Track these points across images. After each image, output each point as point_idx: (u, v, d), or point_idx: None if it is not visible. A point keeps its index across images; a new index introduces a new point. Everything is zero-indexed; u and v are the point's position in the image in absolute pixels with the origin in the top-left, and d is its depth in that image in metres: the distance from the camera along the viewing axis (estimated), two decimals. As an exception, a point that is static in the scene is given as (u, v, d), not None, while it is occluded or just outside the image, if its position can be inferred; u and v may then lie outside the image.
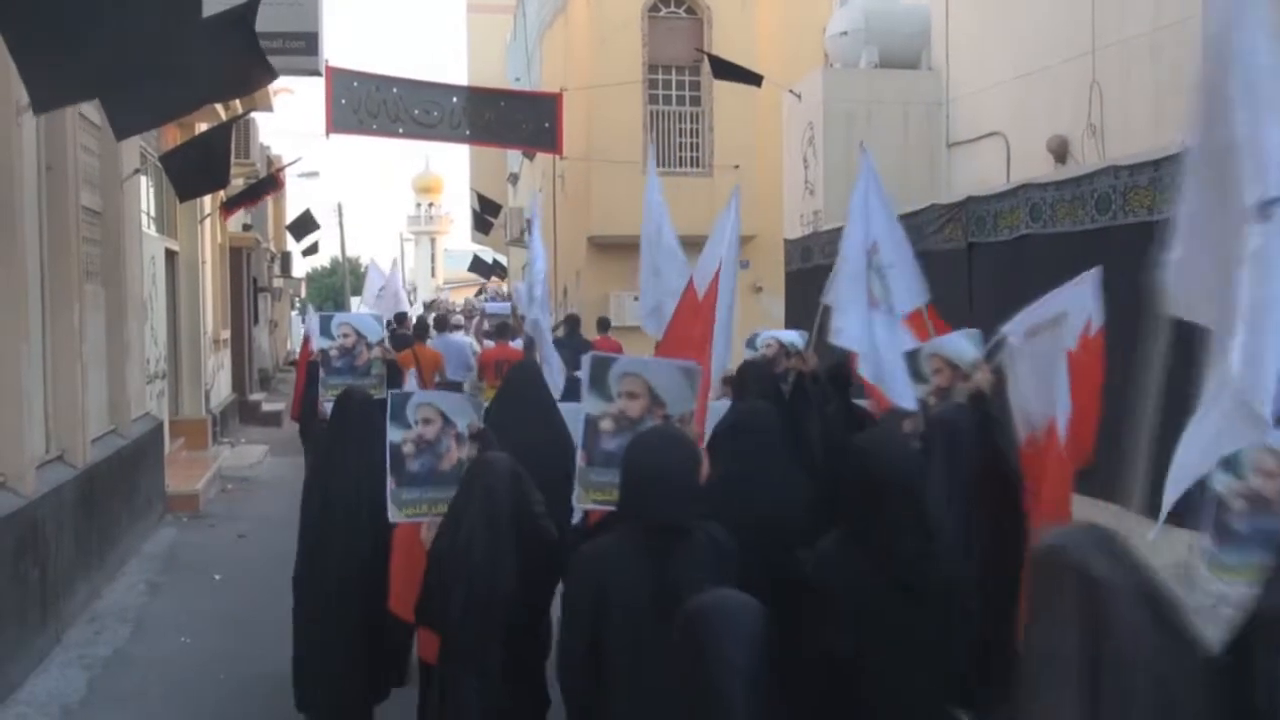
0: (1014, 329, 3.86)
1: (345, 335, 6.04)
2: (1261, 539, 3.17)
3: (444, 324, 15.62)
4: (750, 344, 6.70)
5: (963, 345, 4.57)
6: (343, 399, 5.03)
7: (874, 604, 2.95)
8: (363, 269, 25.44)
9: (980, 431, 3.90)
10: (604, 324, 13.51)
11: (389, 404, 4.21)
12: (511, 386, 5.09)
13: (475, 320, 20.86)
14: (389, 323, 10.01)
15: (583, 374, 3.97)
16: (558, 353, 7.65)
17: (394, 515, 4.09)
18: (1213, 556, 3.46)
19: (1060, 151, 11.48)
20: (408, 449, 4.05)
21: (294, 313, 44.74)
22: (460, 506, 3.60)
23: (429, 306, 30.91)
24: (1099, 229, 8.85)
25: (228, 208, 14.68)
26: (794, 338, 6.10)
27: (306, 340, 6.35)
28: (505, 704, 3.27)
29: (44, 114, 5.60)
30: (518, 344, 10.66)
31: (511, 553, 3.40)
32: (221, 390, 17.06)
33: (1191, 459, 2.86)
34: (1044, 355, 3.54)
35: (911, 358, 4.52)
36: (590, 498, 3.76)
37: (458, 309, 30.31)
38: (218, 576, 8.62)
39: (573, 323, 13.23)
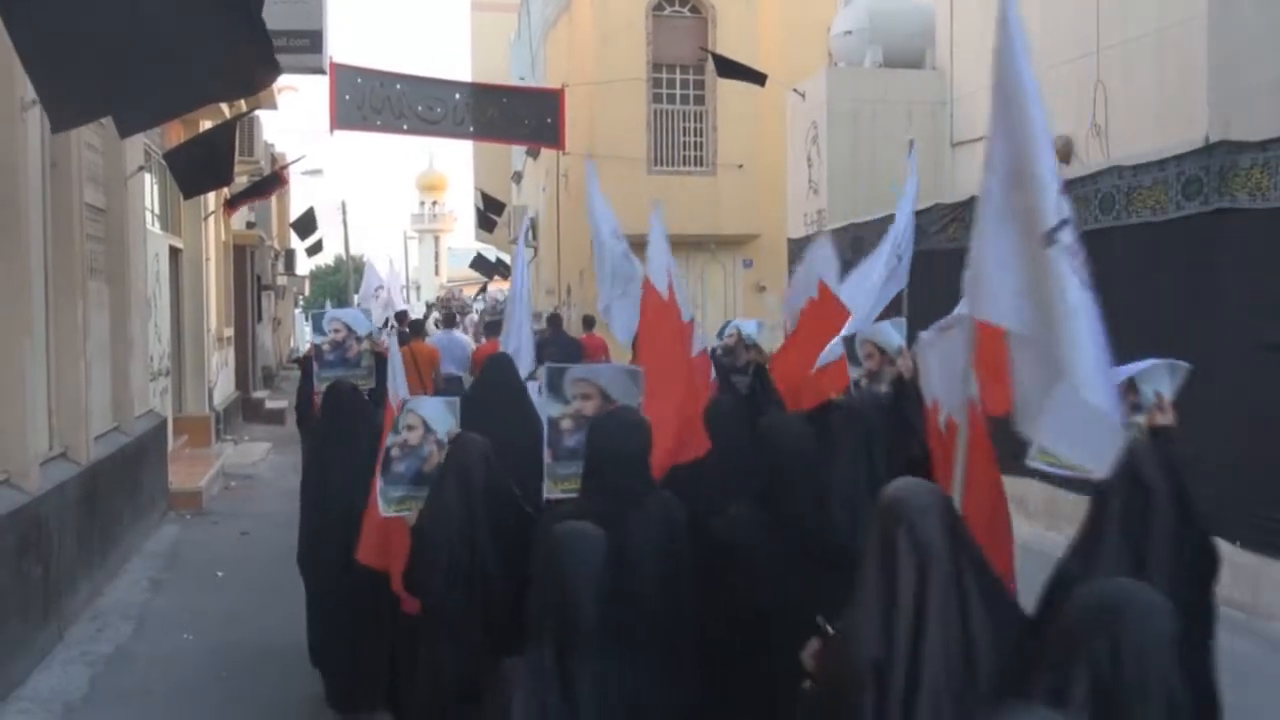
0: (931, 327, 4.00)
1: (336, 330, 6.28)
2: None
3: (451, 321, 15.73)
4: (718, 333, 7.00)
5: (891, 333, 4.89)
6: (333, 390, 5.50)
7: (777, 566, 3.19)
8: (365, 261, 25.55)
9: (893, 413, 4.26)
10: (589, 322, 13.63)
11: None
12: (487, 376, 5.44)
13: (468, 317, 20.90)
14: (389, 321, 10.13)
15: (541, 383, 4.32)
16: (547, 349, 7.87)
17: (384, 510, 4.43)
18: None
19: (1064, 151, 11.46)
20: (395, 453, 4.42)
21: (297, 310, 44.78)
22: (439, 485, 3.91)
23: (432, 305, 30.91)
24: (1102, 229, 8.85)
25: (231, 204, 14.70)
26: (752, 330, 6.30)
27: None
28: (483, 673, 3.26)
29: (61, 131, 5.61)
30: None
31: (486, 525, 3.67)
32: (225, 388, 17.08)
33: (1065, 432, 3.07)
34: (950, 348, 3.72)
35: (849, 342, 4.89)
36: (558, 487, 4.04)
37: (470, 303, 30.28)
38: (220, 574, 8.63)
39: (555, 321, 13.36)
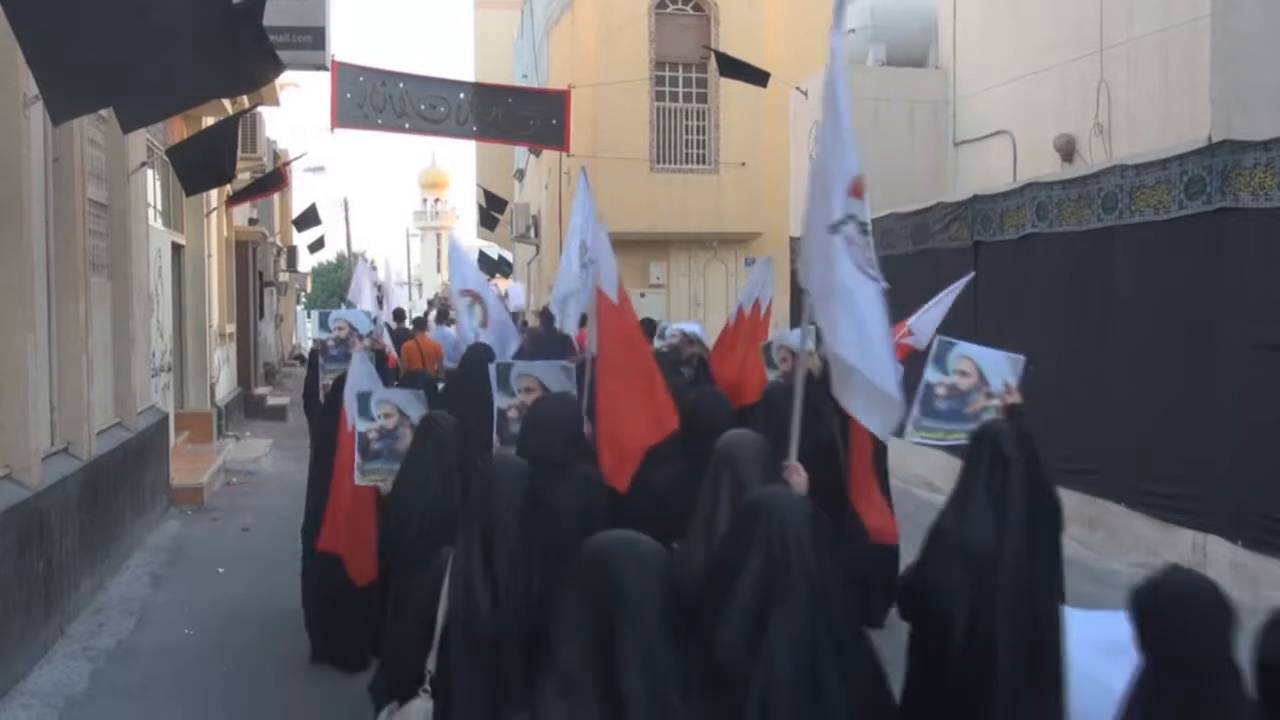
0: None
1: (340, 329, 6.99)
2: (951, 414, 4.78)
3: (444, 316, 16.17)
4: (660, 335, 8.23)
5: (792, 337, 5.58)
6: (337, 384, 6.02)
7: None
8: (363, 260, 25.65)
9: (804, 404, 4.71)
10: (580, 319, 13.74)
11: (357, 401, 5.21)
12: (465, 364, 6.14)
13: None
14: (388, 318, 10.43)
15: (491, 379, 5.09)
16: (541, 344, 8.85)
17: (359, 480, 5.14)
18: (917, 421, 4.79)
19: (1067, 150, 11.46)
20: (372, 435, 5.13)
21: (299, 307, 44.80)
22: (415, 455, 4.42)
23: (433, 302, 30.94)
24: (1105, 228, 8.85)
25: (233, 202, 14.70)
26: (695, 329, 7.24)
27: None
28: None
29: (62, 123, 5.64)
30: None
31: (457, 490, 4.08)
32: (227, 384, 17.10)
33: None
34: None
35: (766, 349, 5.57)
36: None
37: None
38: (221, 569, 8.64)
39: (548, 318, 13.41)
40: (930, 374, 4.86)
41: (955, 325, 10.86)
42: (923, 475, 11.37)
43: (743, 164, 20.18)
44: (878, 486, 4.65)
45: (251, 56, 5.15)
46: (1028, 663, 3.11)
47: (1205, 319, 7.76)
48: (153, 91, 5.33)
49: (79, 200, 7.80)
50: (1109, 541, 8.43)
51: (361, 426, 5.17)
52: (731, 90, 19.06)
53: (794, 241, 15.93)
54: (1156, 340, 8.25)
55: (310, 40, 11.50)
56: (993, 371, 4.94)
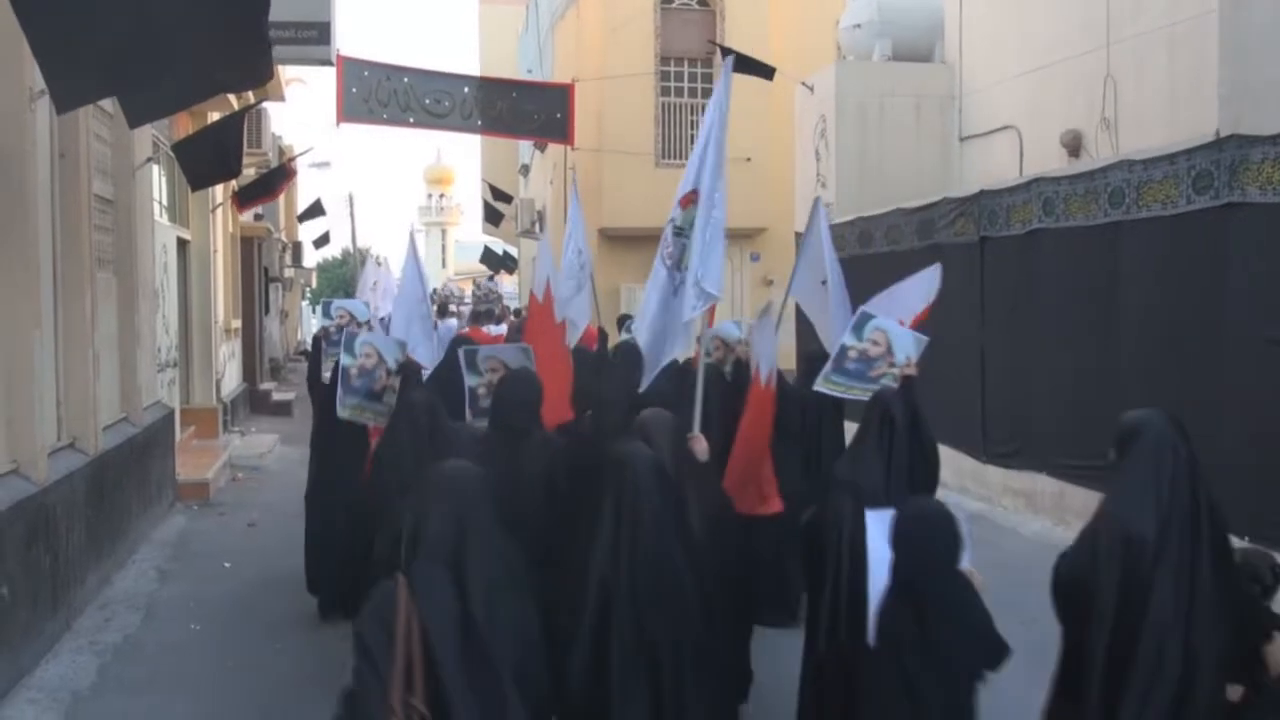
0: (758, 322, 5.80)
1: (341, 317, 7.75)
2: (857, 374, 5.50)
3: (443, 311, 16.91)
4: (625, 328, 9.32)
5: (731, 329, 6.53)
6: (338, 367, 6.54)
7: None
8: (375, 259, 25.76)
9: (732, 384, 6.08)
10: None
11: (343, 339, 6.26)
12: (449, 353, 6.99)
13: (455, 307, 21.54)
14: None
15: (461, 363, 5.83)
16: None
17: (340, 412, 6.04)
18: (828, 375, 5.60)
19: (1074, 145, 11.43)
20: (353, 371, 6.02)
21: (304, 302, 44.80)
22: (396, 428, 5.34)
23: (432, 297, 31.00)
24: (1112, 223, 8.83)
25: (243, 203, 14.69)
26: (730, 328, 7.50)
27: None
28: None
29: (67, 111, 5.65)
30: (499, 329, 12.25)
31: (431, 457, 4.38)
32: (232, 379, 17.12)
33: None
34: (764, 328, 5.55)
35: (699, 340, 6.07)
36: None
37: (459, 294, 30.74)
38: (227, 564, 8.65)
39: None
40: (847, 339, 5.61)
41: (960, 320, 10.87)
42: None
43: (748, 159, 20.12)
44: (769, 461, 5.25)
45: (250, 53, 5.15)
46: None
47: (1213, 314, 7.74)
48: (158, 85, 5.33)
49: (85, 195, 7.80)
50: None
51: (345, 361, 6.11)
52: (737, 85, 18.99)
53: (798, 236, 15.92)
54: (1164, 336, 8.23)
55: (315, 35, 11.48)
56: (899, 346, 5.57)
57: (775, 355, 5.38)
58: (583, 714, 3.33)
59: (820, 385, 5.66)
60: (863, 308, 5.82)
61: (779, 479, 5.33)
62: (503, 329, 12.43)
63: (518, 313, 15.97)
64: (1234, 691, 3.32)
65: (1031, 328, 9.89)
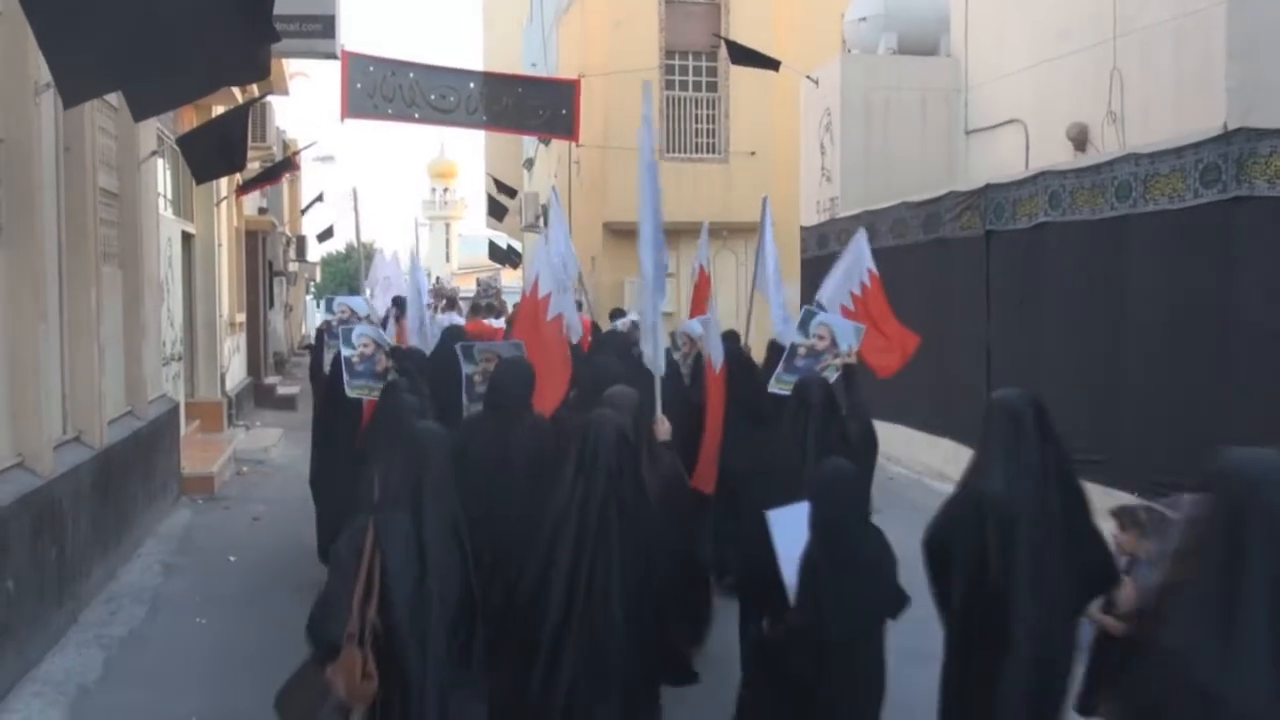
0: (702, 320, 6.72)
1: (343, 311, 8.32)
2: (805, 370, 5.86)
3: (452, 304, 17.28)
4: (613, 318, 10.75)
5: (695, 327, 7.14)
6: (337, 360, 7.14)
7: None
8: (377, 251, 25.89)
9: (693, 375, 6.75)
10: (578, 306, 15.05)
11: (340, 334, 6.99)
12: (443, 341, 7.68)
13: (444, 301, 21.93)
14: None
15: (459, 354, 6.30)
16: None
17: (349, 392, 6.82)
18: (779, 376, 6.02)
19: (1080, 139, 11.40)
20: (355, 359, 6.87)
21: (308, 297, 44.79)
22: (376, 422, 6.20)
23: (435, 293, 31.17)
24: (1118, 216, 8.81)
25: (243, 190, 14.70)
26: (695, 327, 7.99)
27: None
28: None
29: (73, 106, 5.66)
30: (498, 323, 12.54)
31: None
32: (237, 373, 17.13)
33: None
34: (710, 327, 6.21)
35: (673, 336, 6.87)
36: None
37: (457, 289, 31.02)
38: (232, 558, 8.67)
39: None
40: (797, 337, 6.14)
41: (966, 314, 10.86)
42: (933, 465, 11.35)
43: (752, 153, 20.12)
44: (716, 445, 5.73)
45: (256, 46, 5.14)
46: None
47: (1220, 308, 7.72)
48: (164, 79, 5.33)
49: (90, 189, 7.80)
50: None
51: (346, 353, 6.91)
52: (742, 79, 19.00)
53: (804, 230, 15.90)
54: (1170, 329, 8.21)
55: (320, 29, 11.46)
56: (842, 337, 6.07)
57: (721, 348, 6.05)
58: (527, 630, 3.66)
59: (773, 386, 6.06)
60: (805, 306, 6.50)
61: (735, 458, 5.70)
62: (502, 322, 12.62)
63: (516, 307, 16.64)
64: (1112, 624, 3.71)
65: (1038, 321, 9.87)
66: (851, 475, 3.96)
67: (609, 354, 7.42)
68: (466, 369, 6.32)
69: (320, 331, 8.29)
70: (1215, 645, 2.20)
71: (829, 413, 4.82)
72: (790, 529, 3.98)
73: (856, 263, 7.18)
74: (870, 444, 5.63)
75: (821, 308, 6.41)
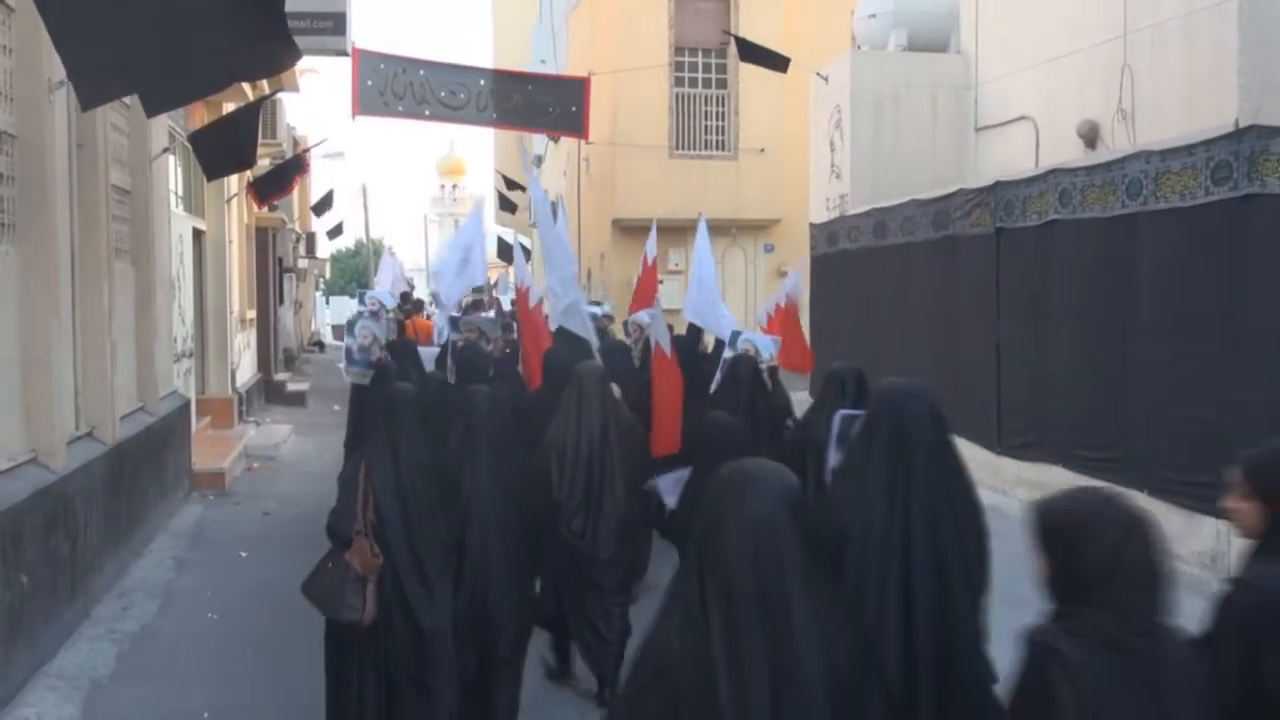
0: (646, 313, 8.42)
1: (373, 303, 10.09)
2: None
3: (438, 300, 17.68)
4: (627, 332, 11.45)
5: (644, 318, 8.49)
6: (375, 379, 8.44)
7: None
8: (386, 251, 26.07)
9: (643, 359, 8.08)
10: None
11: (346, 325, 8.84)
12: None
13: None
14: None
15: (448, 324, 8.48)
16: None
17: (346, 376, 8.62)
18: (718, 383, 7.18)
19: (1090, 136, 11.37)
20: (354, 349, 8.45)
21: (318, 293, 44.89)
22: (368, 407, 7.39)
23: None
24: (1129, 214, 8.78)
25: (260, 195, 14.73)
26: (644, 317, 9.20)
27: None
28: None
29: (91, 109, 5.70)
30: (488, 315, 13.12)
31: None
32: (247, 370, 17.18)
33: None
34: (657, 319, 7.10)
35: (624, 325, 8.94)
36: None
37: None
38: (244, 553, 8.71)
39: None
40: (727, 352, 7.72)
41: (977, 312, 10.84)
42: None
43: (762, 150, 20.10)
44: (679, 416, 6.47)
45: (271, 41, 5.16)
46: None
47: (1231, 306, 7.70)
48: (177, 75, 5.35)
49: (102, 185, 7.84)
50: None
51: (348, 341, 8.68)
52: (751, 76, 18.95)
53: (813, 228, 15.89)
54: (1181, 328, 8.19)
55: (331, 25, 11.51)
56: (763, 348, 7.64)
57: (669, 335, 7.04)
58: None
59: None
60: (733, 330, 8.23)
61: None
62: (490, 315, 12.97)
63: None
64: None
65: (1047, 319, 9.86)
66: (730, 423, 5.26)
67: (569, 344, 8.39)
68: (452, 336, 8.09)
69: (352, 322, 9.52)
70: (853, 485, 3.22)
71: (755, 386, 6.38)
72: (673, 488, 5.51)
73: (781, 290, 8.99)
74: (786, 411, 7.23)
75: (738, 332, 8.13)
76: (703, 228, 9.28)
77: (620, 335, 10.90)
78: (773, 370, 7.15)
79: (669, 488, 5.55)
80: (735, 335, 7.94)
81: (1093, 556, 2.20)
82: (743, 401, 6.15)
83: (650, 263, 9.44)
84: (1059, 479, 9.38)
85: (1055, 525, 2.29)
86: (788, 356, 8.67)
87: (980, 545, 3.18)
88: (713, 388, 7.17)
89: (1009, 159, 12.95)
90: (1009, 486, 10.06)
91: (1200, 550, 7.93)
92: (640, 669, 2.30)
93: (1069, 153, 11.24)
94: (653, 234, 9.78)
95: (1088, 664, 2.14)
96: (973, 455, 10.72)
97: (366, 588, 4.19)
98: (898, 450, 3.15)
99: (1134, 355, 8.67)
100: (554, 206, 11.18)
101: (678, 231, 20.30)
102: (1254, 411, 7.42)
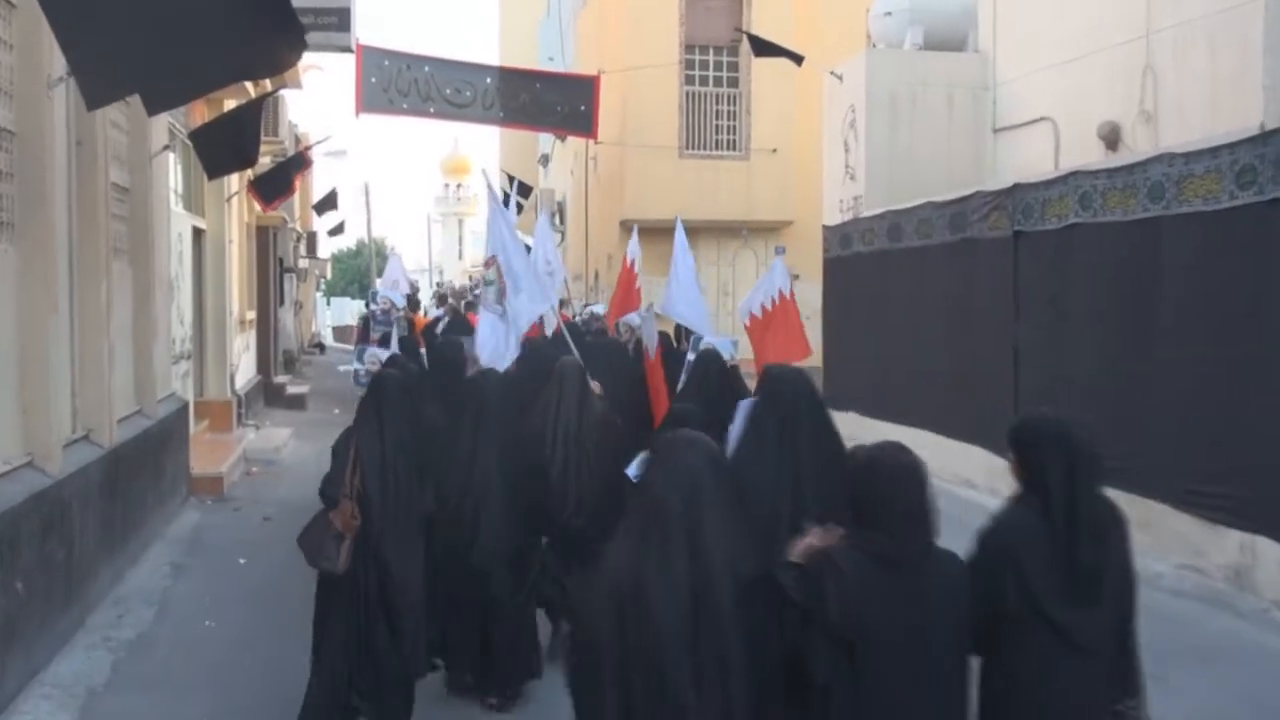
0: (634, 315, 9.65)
1: (384, 303, 12.03)
2: None
3: (443, 301, 18.50)
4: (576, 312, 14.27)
5: (634, 319, 9.52)
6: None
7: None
8: (389, 250, 26.16)
9: (634, 357, 8.78)
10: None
11: (355, 351, 11.15)
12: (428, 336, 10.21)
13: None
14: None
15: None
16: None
17: (357, 391, 9.03)
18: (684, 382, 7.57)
19: (1112, 138, 11.36)
20: (361, 373, 9.72)
21: (319, 294, 44.95)
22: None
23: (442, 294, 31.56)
24: (1151, 218, 8.76)
25: (264, 196, 14.77)
26: (634, 319, 9.94)
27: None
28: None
29: (96, 109, 5.73)
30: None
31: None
32: (246, 372, 17.22)
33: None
34: (647, 321, 8.29)
35: (616, 327, 9.48)
36: None
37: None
38: (242, 560, 8.72)
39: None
40: (690, 355, 8.12)
41: (994, 316, 10.83)
42: (962, 474, 11.32)
43: (774, 150, 20.12)
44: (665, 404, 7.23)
45: (276, 37, 5.18)
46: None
47: (1257, 312, 7.68)
48: (179, 73, 5.37)
49: (102, 183, 7.87)
50: (1153, 542, 8.35)
51: (356, 366, 10.12)
52: (763, 75, 18.99)
53: (826, 230, 15.88)
54: (1204, 335, 8.17)
55: (335, 22, 11.55)
56: (724, 349, 8.03)
57: (656, 336, 7.99)
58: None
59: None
60: (695, 335, 8.73)
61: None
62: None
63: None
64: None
65: (1067, 324, 9.84)
66: (691, 409, 5.75)
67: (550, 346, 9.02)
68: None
69: (365, 318, 11.38)
70: (754, 453, 3.93)
71: (722, 379, 6.94)
72: (639, 468, 5.63)
73: (771, 282, 8.63)
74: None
75: (699, 337, 8.55)
76: (680, 229, 9.49)
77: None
78: (733, 369, 7.61)
79: (635, 469, 5.95)
80: (697, 339, 8.58)
81: (876, 490, 2.98)
82: (710, 395, 6.59)
83: (629, 265, 10.05)
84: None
85: (855, 467, 3.16)
86: (787, 351, 8.52)
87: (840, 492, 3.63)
88: (680, 385, 7.66)
89: (1028, 161, 12.94)
90: (1026, 497, 10.01)
91: (1224, 564, 7.90)
92: (595, 581, 2.99)
93: (1089, 155, 11.22)
94: (634, 238, 10.23)
95: (859, 572, 2.89)
96: (990, 463, 10.71)
97: (344, 543, 4.98)
98: (783, 421, 3.96)
99: (1156, 362, 8.64)
100: (560, 207, 11.75)
101: (689, 233, 20.31)
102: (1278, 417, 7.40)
